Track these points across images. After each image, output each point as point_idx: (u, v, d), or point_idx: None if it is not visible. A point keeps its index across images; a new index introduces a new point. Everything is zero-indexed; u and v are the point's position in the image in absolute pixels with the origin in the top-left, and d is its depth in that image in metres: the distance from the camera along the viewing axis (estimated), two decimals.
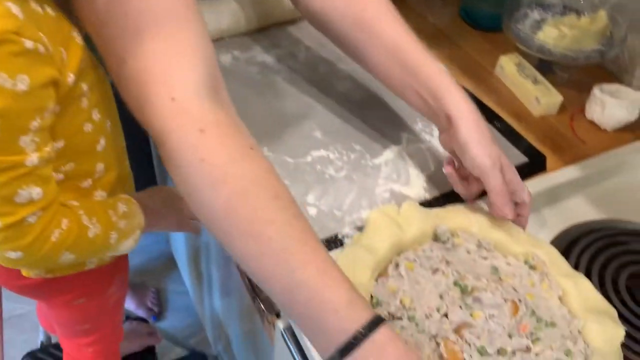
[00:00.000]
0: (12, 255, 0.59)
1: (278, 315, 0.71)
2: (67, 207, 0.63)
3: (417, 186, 0.77)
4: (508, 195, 0.64)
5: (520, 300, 0.60)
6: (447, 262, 0.63)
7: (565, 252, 0.72)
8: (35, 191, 0.56)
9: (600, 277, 0.70)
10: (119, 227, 0.69)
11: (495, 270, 0.63)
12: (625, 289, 0.69)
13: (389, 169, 0.79)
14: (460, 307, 0.58)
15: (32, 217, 0.57)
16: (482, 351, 0.55)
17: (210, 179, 0.48)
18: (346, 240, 0.69)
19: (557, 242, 0.73)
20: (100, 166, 0.69)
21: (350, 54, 0.77)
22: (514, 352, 0.56)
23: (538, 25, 0.98)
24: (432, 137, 0.83)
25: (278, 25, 1.01)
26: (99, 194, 0.71)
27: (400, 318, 0.58)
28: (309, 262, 0.48)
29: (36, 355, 1.40)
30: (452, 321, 0.57)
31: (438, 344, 0.55)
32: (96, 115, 0.64)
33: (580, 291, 0.63)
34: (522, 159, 0.82)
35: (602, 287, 0.69)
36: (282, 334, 0.67)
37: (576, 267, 0.70)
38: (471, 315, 0.58)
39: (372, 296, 0.60)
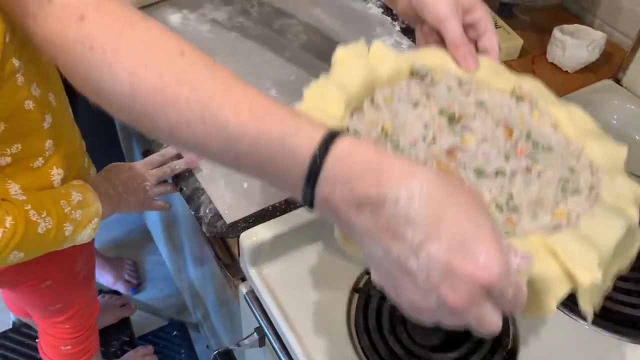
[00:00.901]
0: None
1: (243, 279, 0.70)
2: (11, 203, 0.59)
3: None
4: (467, 46, 0.60)
5: (513, 125, 0.55)
6: (428, 96, 0.56)
7: None
8: None
9: None
10: (74, 218, 0.65)
11: (480, 104, 0.57)
12: None
13: None
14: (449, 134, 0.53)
15: None
16: (479, 172, 0.50)
17: (104, 65, 0.44)
18: None
19: None
20: (49, 143, 0.65)
21: None
22: (513, 174, 0.51)
23: None
24: None
25: None
26: (56, 173, 0.67)
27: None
28: (238, 106, 0.42)
29: (8, 335, 1.38)
30: (442, 146, 0.51)
31: None
32: (36, 90, 0.61)
33: (574, 117, 0.58)
34: None
35: None
36: (245, 298, 0.66)
37: None
38: (462, 140, 0.52)
39: (348, 129, 0.52)
